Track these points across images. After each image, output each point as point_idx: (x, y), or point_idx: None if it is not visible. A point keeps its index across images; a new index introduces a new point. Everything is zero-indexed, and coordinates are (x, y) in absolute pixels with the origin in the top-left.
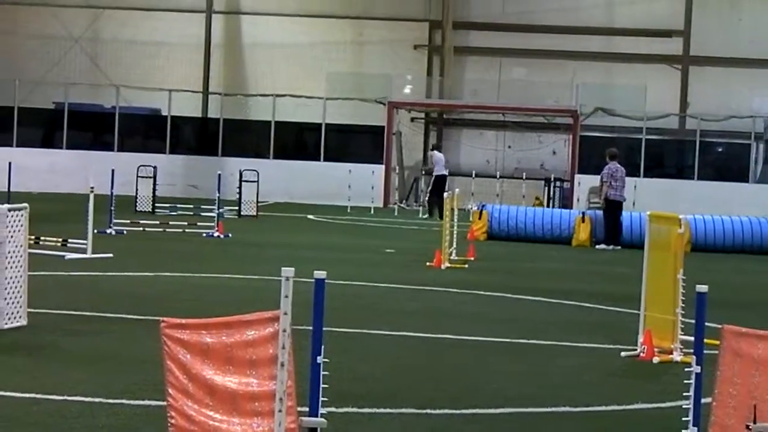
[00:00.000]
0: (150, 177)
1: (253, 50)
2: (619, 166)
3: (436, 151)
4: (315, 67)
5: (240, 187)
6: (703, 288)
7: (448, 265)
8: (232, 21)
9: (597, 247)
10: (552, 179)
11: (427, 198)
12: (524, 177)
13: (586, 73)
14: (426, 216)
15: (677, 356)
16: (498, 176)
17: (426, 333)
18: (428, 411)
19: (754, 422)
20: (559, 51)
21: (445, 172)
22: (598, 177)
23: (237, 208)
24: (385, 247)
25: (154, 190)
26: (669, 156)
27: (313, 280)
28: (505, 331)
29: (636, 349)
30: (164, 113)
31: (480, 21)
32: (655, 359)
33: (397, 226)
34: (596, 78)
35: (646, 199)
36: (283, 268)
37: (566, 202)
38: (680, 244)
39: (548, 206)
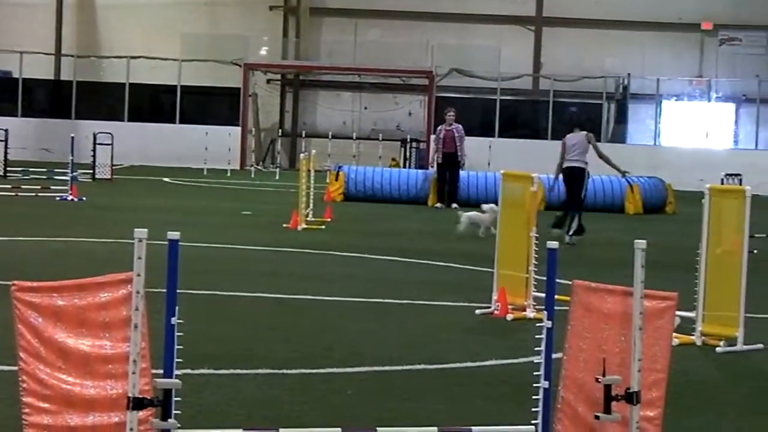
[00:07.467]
0: (1, 141)
1: (106, 11)
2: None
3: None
4: (169, 29)
5: (94, 150)
6: (553, 245)
7: (305, 226)
8: None
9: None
10: (408, 140)
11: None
12: (381, 138)
13: (441, 35)
14: None
15: (530, 313)
16: (354, 137)
17: (283, 294)
18: (285, 371)
19: (603, 375)
20: (414, 12)
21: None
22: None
23: (91, 171)
24: (242, 209)
25: (6, 153)
26: (523, 116)
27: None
28: (362, 291)
29: (490, 307)
30: (15, 75)
31: None
32: (509, 316)
33: (254, 188)
34: (451, 39)
35: (501, 158)
36: (135, 230)
37: (422, 163)
38: (533, 202)
39: (404, 167)
